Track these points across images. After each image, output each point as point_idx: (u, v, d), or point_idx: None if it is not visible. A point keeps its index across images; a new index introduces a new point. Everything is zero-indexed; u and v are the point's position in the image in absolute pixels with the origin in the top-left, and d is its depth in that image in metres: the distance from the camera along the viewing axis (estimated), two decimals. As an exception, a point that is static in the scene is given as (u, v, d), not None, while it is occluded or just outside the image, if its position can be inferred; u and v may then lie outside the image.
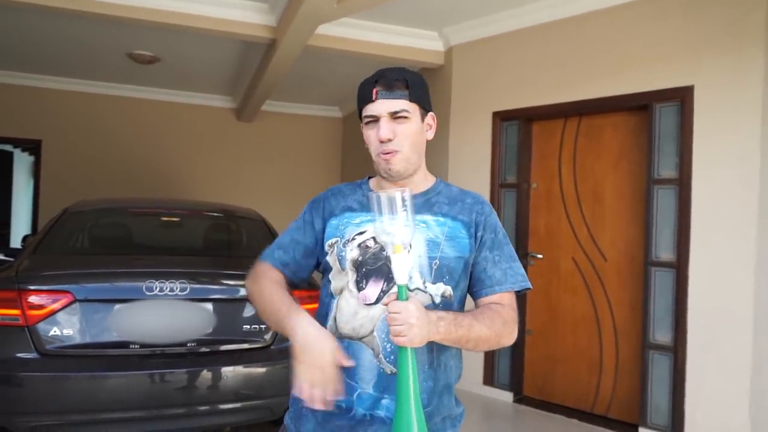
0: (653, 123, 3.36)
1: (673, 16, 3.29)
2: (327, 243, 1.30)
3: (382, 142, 1.23)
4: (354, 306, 1.22)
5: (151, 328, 2.55)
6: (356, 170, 6.75)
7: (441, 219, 1.27)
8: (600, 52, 3.61)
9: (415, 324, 1.02)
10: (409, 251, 1.11)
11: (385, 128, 1.23)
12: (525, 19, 3.96)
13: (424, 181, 1.34)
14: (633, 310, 3.54)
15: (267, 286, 1.28)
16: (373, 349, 1.19)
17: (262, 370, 2.65)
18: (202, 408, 2.57)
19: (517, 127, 4.08)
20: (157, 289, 2.52)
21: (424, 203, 1.29)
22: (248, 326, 2.66)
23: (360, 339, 1.20)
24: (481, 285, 1.28)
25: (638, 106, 3.49)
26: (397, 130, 1.24)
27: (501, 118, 4.15)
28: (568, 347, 3.86)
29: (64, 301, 2.43)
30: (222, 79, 6.03)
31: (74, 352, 2.44)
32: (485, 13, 4.07)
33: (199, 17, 3.93)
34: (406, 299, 1.04)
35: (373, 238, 1.23)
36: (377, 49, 4.38)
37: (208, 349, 2.62)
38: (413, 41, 4.47)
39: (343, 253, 1.25)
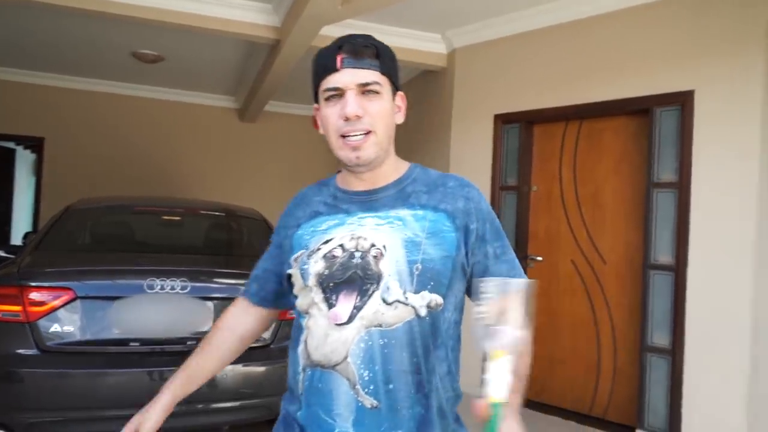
0: (654, 127, 3.37)
1: (674, 22, 3.30)
2: (292, 258, 1.11)
3: (347, 119, 1.01)
4: (324, 327, 1.02)
5: (151, 325, 2.57)
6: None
7: (420, 212, 1.05)
8: (601, 56, 3.62)
9: None
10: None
11: (354, 103, 1.00)
12: (527, 23, 3.98)
13: (395, 170, 1.12)
14: (631, 313, 3.55)
15: (204, 340, 1.24)
16: (348, 379, 0.99)
17: (261, 368, 2.66)
18: (201, 406, 2.58)
19: (519, 129, 4.09)
20: (158, 286, 2.54)
21: (397, 195, 1.09)
22: (248, 325, 2.67)
23: (333, 367, 1.01)
24: None
25: (639, 110, 3.50)
26: (368, 107, 1.02)
27: (502, 120, 4.16)
28: (566, 349, 3.86)
29: (65, 297, 2.45)
30: (225, 79, 6.05)
31: (74, 348, 2.46)
32: (488, 16, 4.09)
33: (203, 17, 3.95)
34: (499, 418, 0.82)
35: (341, 245, 1.04)
36: (380, 50, 4.39)
37: (207, 348, 2.63)
38: (416, 43, 4.49)
39: (306, 266, 1.06)
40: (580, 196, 3.85)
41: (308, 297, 1.05)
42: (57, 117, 6.22)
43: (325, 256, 1.04)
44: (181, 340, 2.60)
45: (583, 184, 3.84)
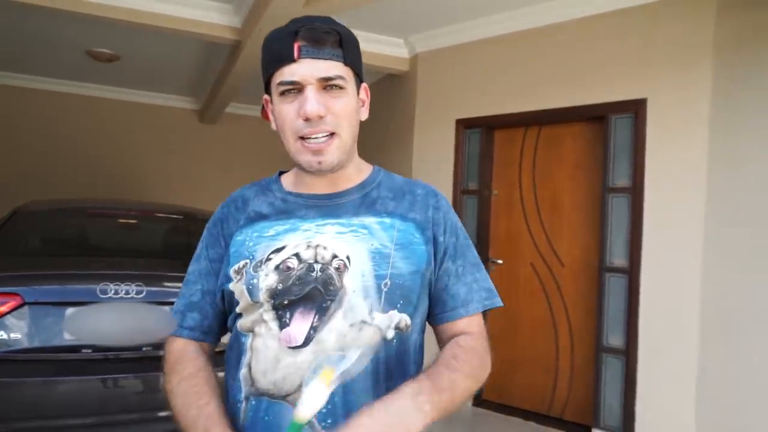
0: (609, 133, 3.47)
1: (629, 32, 3.41)
2: (232, 269, 0.94)
3: (308, 120, 0.87)
4: (275, 350, 0.87)
5: (105, 331, 2.48)
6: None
7: (387, 220, 0.94)
8: (560, 63, 3.71)
9: None
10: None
11: (315, 100, 0.87)
12: (489, 29, 4.04)
13: (358, 173, 1.01)
14: (588, 315, 3.64)
15: (180, 387, 0.93)
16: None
17: (219, 374, 2.60)
18: (157, 414, 2.51)
19: (480, 134, 4.15)
20: (112, 291, 2.46)
21: (361, 200, 0.97)
22: (206, 330, 2.62)
23: (284, 397, 0.86)
24: (443, 307, 0.96)
25: (595, 117, 3.60)
26: (331, 105, 0.89)
27: (464, 125, 4.21)
28: (526, 351, 3.93)
29: (12, 303, 2.35)
30: (184, 80, 5.93)
31: (22, 356, 2.36)
32: (451, 22, 4.14)
33: (161, 16, 3.86)
34: None
35: (297, 255, 0.90)
36: (343, 54, 4.39)
37: (161, 353, 2.56)
38: (379, 47, 4.51)
39: (255, 280, 0.90)
40: (539, 201, 3.94)
41: (255, 314, 0.90)
42: (5, 116, 5.96)
43: (277, 268, 0.90)
44: (136, 347, 2.53)
45: (542, 189, 3.93)
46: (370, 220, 0.94)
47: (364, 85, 0.99)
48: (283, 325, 0.87)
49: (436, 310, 0.97)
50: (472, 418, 3.87)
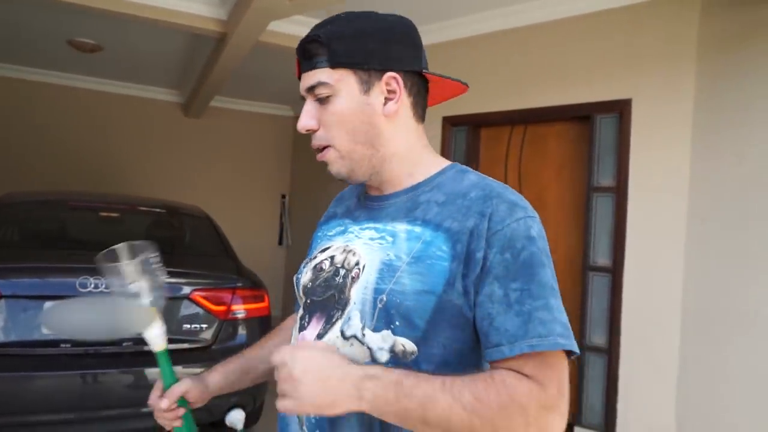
0: (594, 133, 3.49)
1: (615, 32, 3.43)
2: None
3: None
4: None
5: (84, 326, 2.44)
6: (306, 172, 6.69)
7: (417, 229, 0.83)
8: (546, 62, 3.73)
9: (301, 378, 0.70)
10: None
11: (304, 116, 0.88)
12: (475, 27, 4.05)
13: (414, 174, 0.93)
14: (572, 314, 3.63)
15: (265, 337, 1.12)
16: (298, 419, 0.86)
17: (201, 370, 2.57)
18: (137, 410, 2.48)
19: (466, 132, 4.16)
20: (92, 285, 2.42)
21: (405, 203, 0.89)
22: (189, 325, 2.59)
23: None
24: (485, 341, 0.78)
25: (581, 117, 3.62)
26: (321, 117, 0.87)
27: (451, 123, 4.21)
28: (509, 349, 3.94)
29: (-12, 296, 2.30)
30: (168, 72, 5.85)
31: (-1, 351, 2.31)
32: (437, 19, 4.13)
33: (144, 6, 3.80)
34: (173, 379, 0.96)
35: (332, 257, 0.89)
36: (330, 49, 4.36)
37: (145, 349, 2.53)
38: (366, 43, 4.48)
39: (299, 275, 0.95)
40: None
41: (299, 309, 0.94)
42: (-16, 106, 5.85)
43: (314, 267, 0.92)
44: (117, 342, 2.49)
45: (527, 188, 3.94)
46: (401, 227, 0.85)
47: (389, 74, 0.89)
48: (302, 327, 0.89)
49: (482, 345, 0.80)
50: (455, 415, 3.88)
